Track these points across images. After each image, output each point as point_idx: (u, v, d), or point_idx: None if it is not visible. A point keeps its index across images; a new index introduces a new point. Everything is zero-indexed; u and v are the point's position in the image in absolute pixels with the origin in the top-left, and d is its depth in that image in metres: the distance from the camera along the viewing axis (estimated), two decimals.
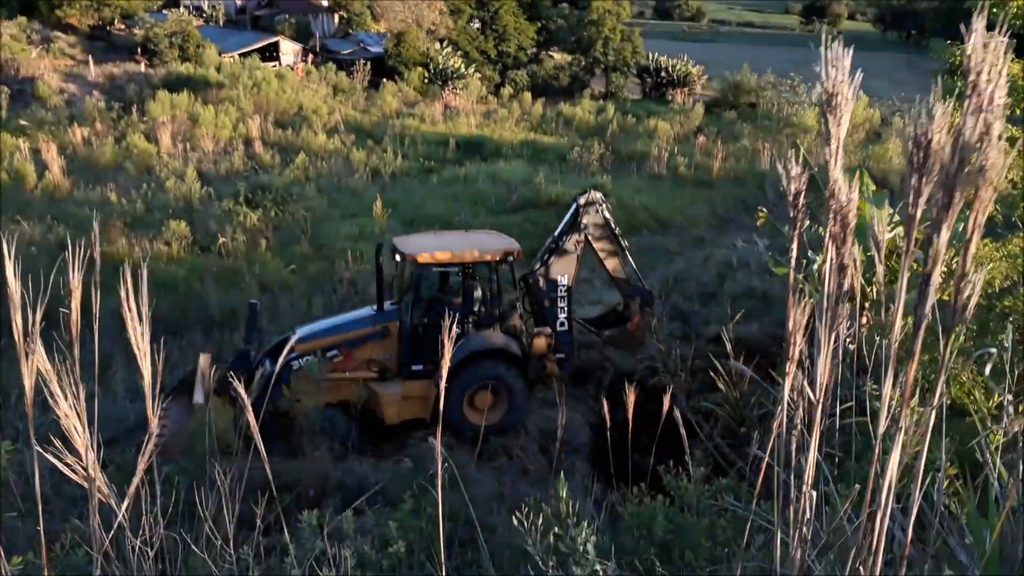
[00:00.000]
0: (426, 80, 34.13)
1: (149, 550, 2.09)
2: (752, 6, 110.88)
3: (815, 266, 9.92)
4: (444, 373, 2.12)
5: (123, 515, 1.92)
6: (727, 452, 7.43)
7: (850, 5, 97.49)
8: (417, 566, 3.48)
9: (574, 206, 10.35)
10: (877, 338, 6.59)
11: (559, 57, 41.86)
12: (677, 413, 4.10)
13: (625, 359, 10.80)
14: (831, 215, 1.63)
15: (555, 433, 9.23)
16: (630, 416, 3.89)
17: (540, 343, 9.65)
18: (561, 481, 3.52)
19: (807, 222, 7.19)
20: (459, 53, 35.90)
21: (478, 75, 35.42)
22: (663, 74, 39.29)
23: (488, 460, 8.74)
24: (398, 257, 9.26)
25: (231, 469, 3.70)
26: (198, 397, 8.47)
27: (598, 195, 10.50)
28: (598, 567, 1.93)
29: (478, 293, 9.58)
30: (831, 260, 1.95)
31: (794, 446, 1.79)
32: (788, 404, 1.73)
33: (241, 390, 2.33)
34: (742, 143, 24.65)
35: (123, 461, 7.22)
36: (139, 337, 2.18)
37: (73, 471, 1.95)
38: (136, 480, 1.92)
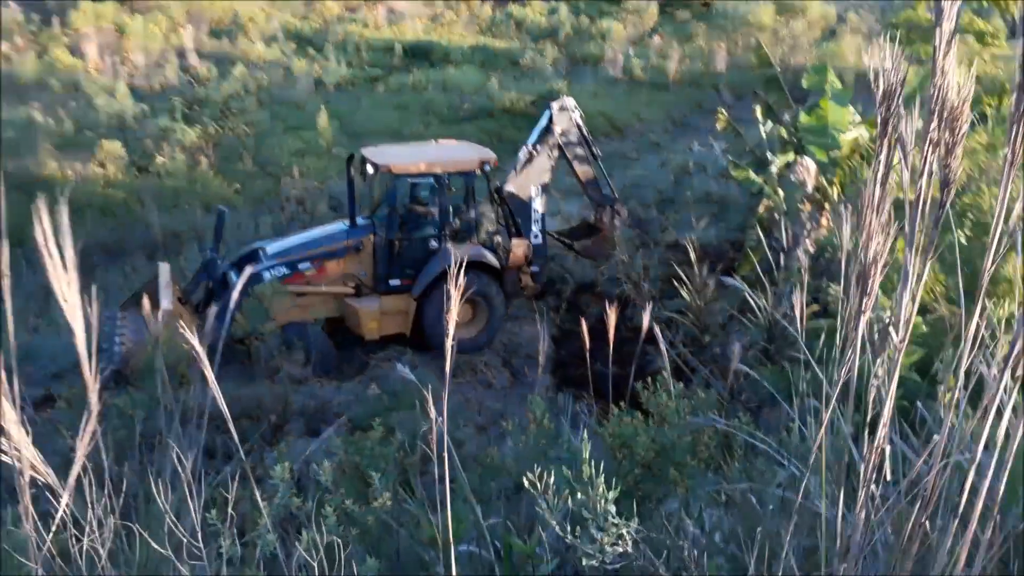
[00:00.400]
0: None
1: (101, 549, 1.84)
2: None
3: (774, 168, 9.82)
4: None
5: (65, 507, 1.66)
6: (690, 359, 7.41)
7: None
8: (395, 503, 3.33)
9: (547, 112, 10.04)
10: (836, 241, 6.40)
11: None
12: (647, 322, 3.92)
13: (586, 270, 10.68)
14: (935, 118, 1.36)
15: (517, 347, 9.16)
16: (584, 332, 3.71)
17: (518, 255, 9.49)
18: (537, 400, 3.37)
19: (768, 122, 6.86)
20: None
21: None
22: None
23: (452, 376, 8.64)
24: (371, 168, 8.79)
25: (186, 397, 3.49)
26: (165, 303, 8.05)
27: (571, 101, 10.20)
28: (623, 531, 1.76)
29: (453, 204, 9.26)
30: (934, 172, 1.61)
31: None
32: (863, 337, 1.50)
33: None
34: (697, 43, 24.09)
35: (72, 394, 6.92)
36: (64, 286, 1.85)
37: None
38: (76, 467, 1.64)
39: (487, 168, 9.25)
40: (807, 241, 8.64)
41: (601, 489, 1.79)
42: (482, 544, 2.90)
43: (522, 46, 23.89)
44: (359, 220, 9.25)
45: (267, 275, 8.56)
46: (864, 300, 1.40)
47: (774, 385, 5.51)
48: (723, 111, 10.68)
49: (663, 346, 3.67)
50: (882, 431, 1.44)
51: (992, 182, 6.82)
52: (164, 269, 8.98)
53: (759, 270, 8.64)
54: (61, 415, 6.39)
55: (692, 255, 7.32)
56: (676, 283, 8.08)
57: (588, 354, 4.15)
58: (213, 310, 7.29)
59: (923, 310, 6.12)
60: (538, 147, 9.90)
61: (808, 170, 7.96)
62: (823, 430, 1.91)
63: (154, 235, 11.36)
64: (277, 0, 29.00)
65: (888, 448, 1.51)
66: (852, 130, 8.60)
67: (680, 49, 22.23)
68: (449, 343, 1.80)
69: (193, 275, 9.21)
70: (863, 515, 1.47)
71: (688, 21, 27.69)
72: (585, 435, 3.36)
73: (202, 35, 22.41)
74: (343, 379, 8.56)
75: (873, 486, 1.49)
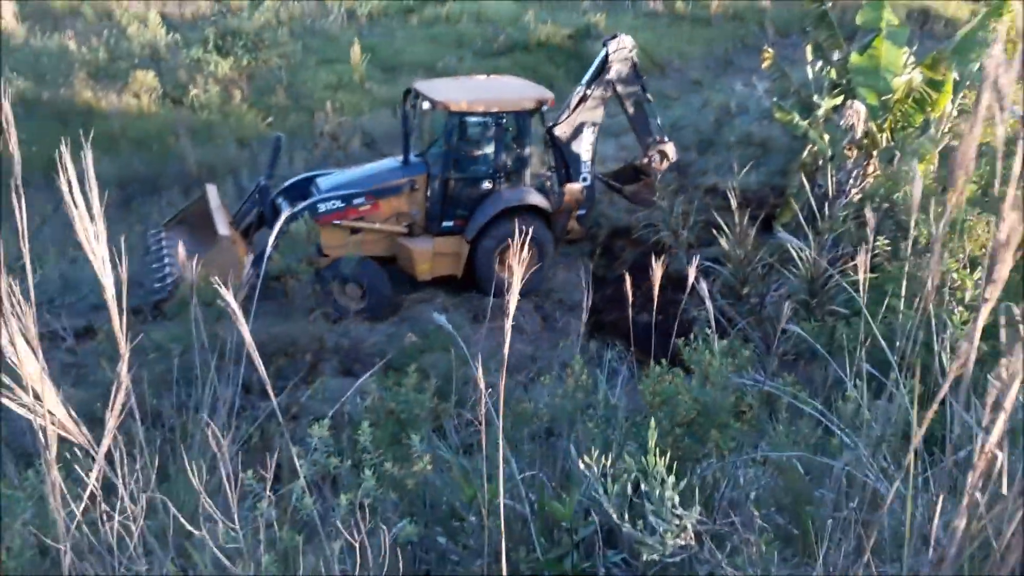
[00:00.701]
0: None
1: (133, 526, 1.81)
2: None
3: (820, 111, 9.47)
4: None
5: (95, 481, 1.62)
6: (727, 310, 7.28)
7: None
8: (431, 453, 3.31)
9: (604, 51, 9.73)
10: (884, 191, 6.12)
11: None
12: (692, 276, 3.81)
13: (621, 214, 10.50)
14: None
15: (549, 292, 9.08)
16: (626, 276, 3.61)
17: (569, 199, 9.30)
18: (576, 357, 3.29)
19: (819, 62, 6.55)
20: None
21: None
22: None
23: (481, 321, 8.60)
24: (426, 104, 8.58)
25: (223, 332, 3.47)
26: (222, 229, 8.07)
27: (629, 39, 9.83)
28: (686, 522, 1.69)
29: (506, 144, 9.06)
30: None
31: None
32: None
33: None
34: None
35: (111, 330, 7.01)
36: (91, 238, 1.79)
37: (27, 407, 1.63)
38: (107, 441, 1.60)
39: (544, 108, 9.00)
40: (853, 190, 8.36)
41: (661, 477, 1.71)
42: (516, 497, 2.88)
43: None
44: (411, 158, 9.05)
45: (322, 207, 8.45)
46: (989, 288, 1.27)
47: (817, 341, 5.39)
48: (768, 49, 10.27)
49: (707, 300, 3.57)
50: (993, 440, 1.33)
51: None
52: (212, 192, 8.93)
53: (801, 219, 8.41)
54: (103, 347, 6.49)
55: (732, 202, 7.10)
56: (715, 230, 7.89)
57: (629, 304, 4.06)
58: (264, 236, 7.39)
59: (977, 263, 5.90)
60: (592, 87, 9.63)
61: (858, 114, 7.64)
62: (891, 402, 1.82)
63: (188, 168, 11.36)
64: None
65: (1000, 455, 1.39)
66: (906, 72, 8.21)
67: None
68: (515, 290, 1.71)
69: (243, 200, 9.18)
70: (962, 524, 1.37)
71: None
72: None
73: None
74: (376, 320, 8.58)
75: (978, 493, 1.39)
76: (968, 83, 8.89)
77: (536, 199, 9.02)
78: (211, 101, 13.13)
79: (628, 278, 3.83)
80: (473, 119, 8.72)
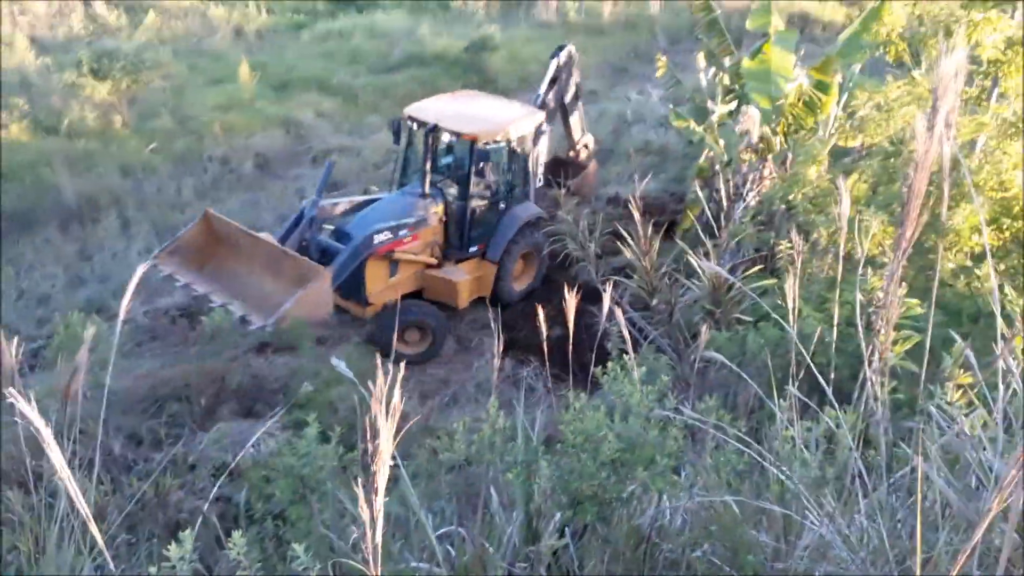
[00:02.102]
0: None
1: None
2: None
3: (714, 117, 9.63)
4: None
5: None
6: (637, 321, 7.25)
7: None
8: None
9: (555, 61, 10.32)
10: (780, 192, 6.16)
11: None
12: (607, 306, 3.71)
13: None
14: None
15: (462, 311, 8.87)
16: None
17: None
18: (494, 406, 3.09)
19: (712, 69, 6.56)
20: None
21: None
22: None
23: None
24: (449, 136, 8.69)
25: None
26: (310, 265, 7.60)
27: (572, 48, 10.61)
28: None
29: (518, 165, 9.39)
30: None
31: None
32: None
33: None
34: None
35: None
36: None
37: None
38: None
39: (543, 131, 9.57)
40: (750, 194, 8.51)
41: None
42: (432, 558, 2.69)
43: None
44: (413, 187, 8.96)
45: (378, 238, 8.20)
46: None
47: (728, 350, 5.37)
48: (662, 57, 10.41)
49: (618, 315, 3.47)
50: None
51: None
52: (213, 213, 8.30)
53: (701, 225, 8.48)
54: None
55: (635, 212, 7.08)
56: (619, 241, 7.88)
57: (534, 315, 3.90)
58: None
59: (875, 262, 6.03)
60: (550, 96, 10.23)
61: (752, 119, 7.77)
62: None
63: (66, 201, 10.61)
64: None
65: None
66: (797, 76, 8.43)
67: None
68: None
69: (288, 227, 8.55)
70: None
71: None
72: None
73: None
74: (277, 352, 8.17)
75: None
76: (851, 84, 9.22)
77: (540, 212, 9.43)
78: (88, 127, 12.34)
79: (542, 318, 3.69)
80: (493, 147, 8.81)
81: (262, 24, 18.88)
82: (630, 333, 6.23)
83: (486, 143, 8.64)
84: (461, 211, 8.84)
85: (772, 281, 6.03)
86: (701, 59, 9.66)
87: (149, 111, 13.23)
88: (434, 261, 8.80)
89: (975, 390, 1.94)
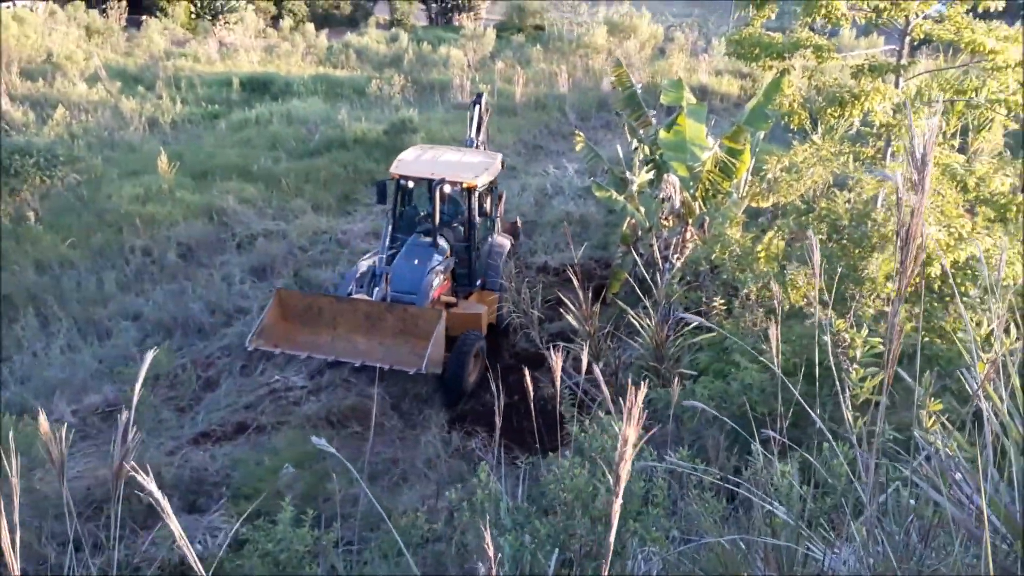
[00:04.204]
0: (193, 15, 31.02)
1: None
2: None
3: (635, 186, 10.12)
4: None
5: None
6: (582, 383, 7.42)
7: None
8: None
9: (478, 108, 11.38)
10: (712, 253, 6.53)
11: None
12: (554, 363, 3.83)
13: None
14: None
15: (405, 389, 8.85)
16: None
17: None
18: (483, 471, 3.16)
19: (634, 140, 6.99)
20: None
21: (252, 7, 32.71)
22: None
23: (342, 425, 8.19)
24: (447, 188, 9.31)
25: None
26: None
27: (486, 95, 11.78)
28: None
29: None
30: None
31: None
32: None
33: None
34: (539, 67, 24.64)
35: None
36: None
37: None
38: None
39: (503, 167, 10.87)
40: (675, 257, 8.92)
41: None
42: None
43: (365, 75, 23.54)
44: (416, 239, 9.51)
45: (434, 284, 8.88)
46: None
47: (703, 400, 5.55)
48: (579, 132, 10.95)
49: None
50: None
51: (842, 186, 7.30)
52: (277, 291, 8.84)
53: (631, 287, 8.81)
54: None
55: (574, 278, 7.35)
56: (560, 307, 8.11)
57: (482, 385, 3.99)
58: None
59: (800, 314, 6.40)
60: (479, 140, 11.19)
61: (674, 186, 8.22)
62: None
63: None
64: (95, 36, 27.14)
65: None
66: (710, 144, 8.99)
67: (524, 73, 22.64)
68: None
69: (352, 287, 8.85)
70: None
71: (523, 45, 28.34)
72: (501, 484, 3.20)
73: (14, 77, 20.52)
74: (217, 442, 7.96)
75: None
76: (758, 150, 9.88)
77: (511, 240, 10.61)
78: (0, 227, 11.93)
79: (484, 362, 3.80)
80: (482, 191, 9.71)
81: (176, 115, 18.78)
82: (576, 395, 6.41)
83: (476, 189, 9.47)
84: (466, 251, 9.71)
85: (710, 336, 6.33)
86: (627, 131, 10.23)
87: (64, 206, 12.90)
88: (455, 300, 9.44)
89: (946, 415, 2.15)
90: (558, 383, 4.14)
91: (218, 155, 15.95)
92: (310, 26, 31.18)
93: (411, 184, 9.59)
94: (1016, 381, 1.92)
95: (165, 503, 1.79)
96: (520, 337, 9.52)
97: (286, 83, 22.17)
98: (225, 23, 30.91)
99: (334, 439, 7.72)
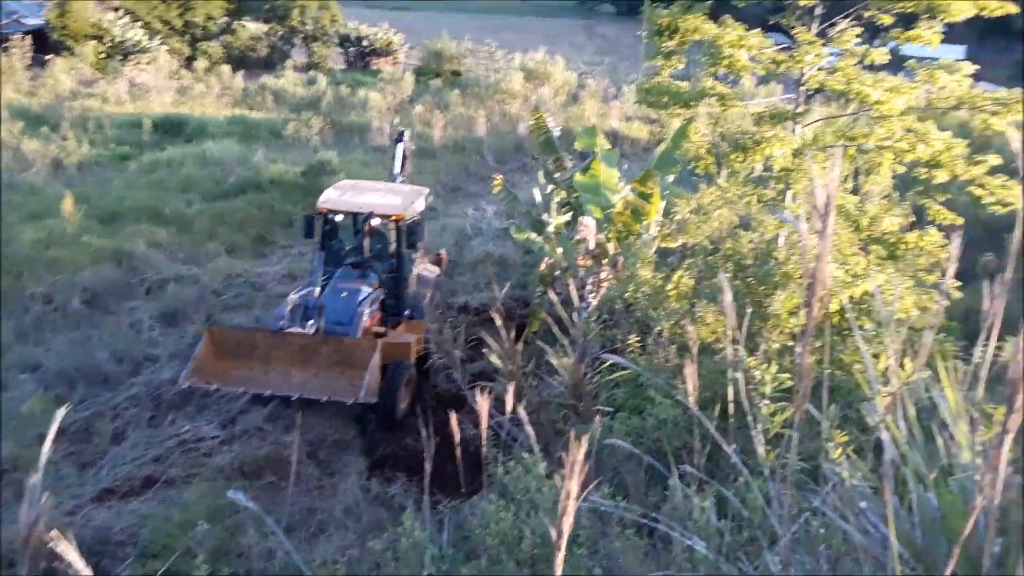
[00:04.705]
0: (103, 55, 30.25)
1: None
2: None
3: (551, 228, 10.32)
4: None
5: None
6: (512, 430, 7.43)
7: None
8: None
9: (402, 145, 11.70)
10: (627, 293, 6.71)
11: (254, 27, 39.29)
12: (479, 404, 3.85)
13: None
14: None
15: (323, 436, 8.66)
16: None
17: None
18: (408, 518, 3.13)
19: (550, 185, 7.19)
20: (139, 24, 32.22)
21: (165, 47, 32.13)
22: (365, 43, 38.57)
23: (256, 476, 7.93)
24: (377, 220, 9.51)
25: None
26: None
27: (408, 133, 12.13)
28: None
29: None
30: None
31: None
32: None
33: None
34: (457, 111, 24.94)
35: None
36: None
37: None
38: None
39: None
40: (591, 296, 9.10)
41: None
42: None
43: (282, 117, 23.35)
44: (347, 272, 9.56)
45: (365, 315, 8.95)
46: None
47: (621, 436, 5.63)
48: (497, 176, 11.12)
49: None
50: None
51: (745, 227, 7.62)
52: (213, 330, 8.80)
53: (549, 326, 8.91)
54: None
55: (497, 318, 7.40)
56: (484, 347, 8.13)
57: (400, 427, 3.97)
58: None
59: (710, 350, 6.60)
60: (404, 175, 11.39)
61: (588, 228, 8.42)
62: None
63: None
64: None
65: None
66: (622, 187, 9.27)
67: (443, 116, 22.89)
68: None
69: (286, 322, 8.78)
70: None
71: (441, 89, 28.69)
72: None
73: None
74: (123, 498, 7.60)
75: None
76: (667, 193, 10.23)
77: (437, 269, 10.89)
78: None
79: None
80: (413, 222, 9.74)
81: (83, 157, 18.17)
82: (499, 435, 6.42)
83: (406, 221, 9.60)
84: (394, 282, 9.78)
85: (626, 372, 6.46)
86: (541, 175, 10.43)
87: None
88: (384, 330, 9.41)
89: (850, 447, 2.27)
90: (484, 425, 4.16)
91: (128, 198, 15.48)
92: (226, 68, 30.81)
93: (339, 218, 9.71)
94: (912, 412, 2.04)
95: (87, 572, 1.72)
96: (442, 378, 9.48)
97: (200, 124, 21.79)
98: (136, 63, 30.25)
99: (248, 490, 7.48)
